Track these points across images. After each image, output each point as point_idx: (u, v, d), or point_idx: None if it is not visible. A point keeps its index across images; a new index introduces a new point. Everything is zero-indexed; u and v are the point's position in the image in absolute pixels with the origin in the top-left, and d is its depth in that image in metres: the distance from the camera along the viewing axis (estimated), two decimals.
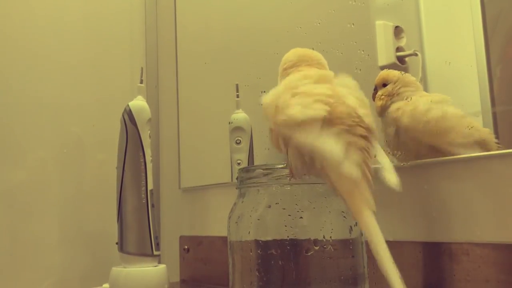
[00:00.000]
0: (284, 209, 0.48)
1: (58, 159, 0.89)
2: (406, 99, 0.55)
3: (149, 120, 0.74)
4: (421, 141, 0.53)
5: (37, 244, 0.85)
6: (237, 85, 0.79)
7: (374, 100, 0.58)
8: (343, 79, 0.47)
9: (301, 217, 0.47)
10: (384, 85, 0.57)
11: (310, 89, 0.44)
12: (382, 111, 0.57)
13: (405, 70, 0.61)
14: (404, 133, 0.54)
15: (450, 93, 0.54)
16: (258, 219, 0.48)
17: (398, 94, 0.56)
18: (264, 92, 0.78)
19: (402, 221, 0.54)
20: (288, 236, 0.46)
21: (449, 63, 0.55)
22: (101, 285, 0.76)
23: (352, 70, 0.64)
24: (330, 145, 0.40)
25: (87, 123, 0.93)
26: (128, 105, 0.73)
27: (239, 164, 0.76)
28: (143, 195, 0.71)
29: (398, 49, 0.62)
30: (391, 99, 0.56)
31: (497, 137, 0.49)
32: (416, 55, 0.60)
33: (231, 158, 0.78)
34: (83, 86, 0.94)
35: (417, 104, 0.53)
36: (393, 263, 0.39)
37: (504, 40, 0.51)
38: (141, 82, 0.77)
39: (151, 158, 0.73)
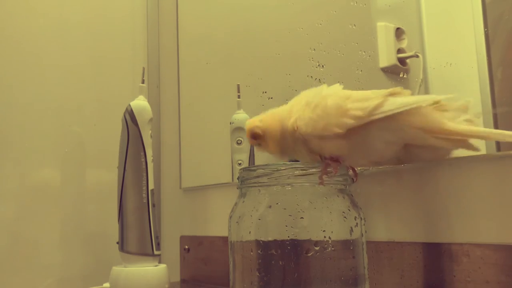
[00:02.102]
0: (285, 209, 0.48)
1: (59, 159, 0.89)
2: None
3: (151, 120, 0.74)
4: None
5: (38, 243, 0.85)
6: (238, 85, 0.79)
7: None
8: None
9: (301, 218, 0.47)
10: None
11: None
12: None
13: (406, 71, 0.61)
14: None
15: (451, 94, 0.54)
16: (259, 219, 0.48)
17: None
18: (265, 92, 0.79)
19: (402, 222, 0.55)
20: (288, 236, 0.46)
21: (450, 64, 0.56)
22: (102, 285, 0.76)
23: (353, 71, 0.64)
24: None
25: (88, 122, 0.93)
26: (129, 104, 0.73)
27: (240, 164, 0.76)
28: (144, 194, 0.72)
29: (399, 50, 0.62)
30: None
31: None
32: (417, 56, 0.60)
33: (232, 158, 0.78)
34: (84, 86, 0.94)
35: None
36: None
37: (505, 42, 0.51)
38: (143, 82, 0.78)
39: (152, 158, 0.73)
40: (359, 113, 0.46)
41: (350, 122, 0.46)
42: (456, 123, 0.46)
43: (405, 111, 0.45)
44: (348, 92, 0.49)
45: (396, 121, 0.46)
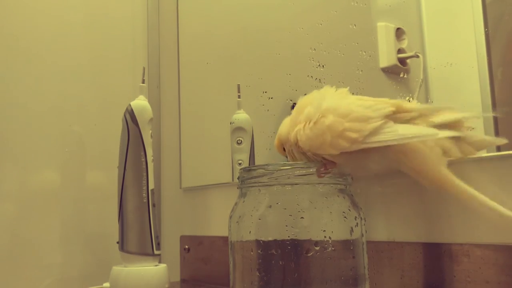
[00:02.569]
0: (285, 209, 0.48)
1: (59, 159, 0.89)
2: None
3: (151, 119, 0.74)
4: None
5: (38, 242, 0.85)
6: (238, 85, 0.79)
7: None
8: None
9: (302, 217, 0.47)
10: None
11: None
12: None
13: (406, 71, 0.61)
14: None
15: (451, 95, 0.54)
16: (259, 219, 0.48)
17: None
18: (265, 92, 0.79)
19: (403, 222, 0.55)
20: (289, 236, 0.46)
21: (450, 64, 0.56)
22: (102, 284, 0.76)
23: (353, 71, 0.64)
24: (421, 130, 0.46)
25: (88, 122, 0.93)
26: (130, 104, 0.73)
27: (240, 164, 0.76)
28: (144, 194, 0.72)
29: (400, 50, 0.62)
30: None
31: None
32: (418, 56, 0.60)
33: (232, 158, 0.78)
34: (85, 86, 0.94)
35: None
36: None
37: (506, 42, 0.51)
38: (143, 82, 0.78)
39: (152, 157, 0.73)
40: (354, 135, 0.45)
41: (344, 145, 0.46)
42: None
43: (401, 144, 0.45)
44: (350, 105, 0.47)
45: (391, 151, 0.46)
